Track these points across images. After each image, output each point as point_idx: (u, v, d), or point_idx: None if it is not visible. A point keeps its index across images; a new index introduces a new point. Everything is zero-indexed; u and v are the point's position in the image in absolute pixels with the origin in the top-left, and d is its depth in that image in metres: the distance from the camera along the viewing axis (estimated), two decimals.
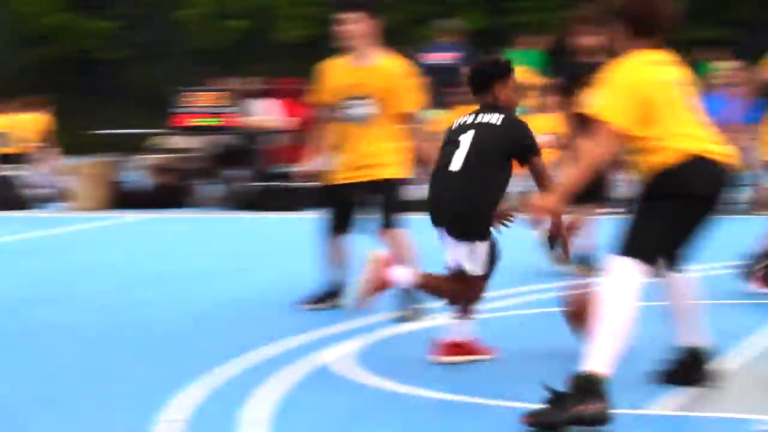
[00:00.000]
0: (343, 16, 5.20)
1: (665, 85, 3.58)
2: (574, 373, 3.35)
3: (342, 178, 5.33)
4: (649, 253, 3.55)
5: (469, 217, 4.20)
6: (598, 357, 3.35)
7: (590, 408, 3.24)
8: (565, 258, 5.31)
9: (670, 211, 3.57)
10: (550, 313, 5.04)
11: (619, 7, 3.71)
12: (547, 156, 6.31)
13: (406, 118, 5.32)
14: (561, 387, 3.30)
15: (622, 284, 3.48)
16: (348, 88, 5.23)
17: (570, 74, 6.39)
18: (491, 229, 4.28)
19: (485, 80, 4.36)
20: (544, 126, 9.71)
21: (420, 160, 5.68)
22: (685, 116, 3.62)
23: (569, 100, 6.15)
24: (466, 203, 4.16)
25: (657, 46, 3.67)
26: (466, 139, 4.19)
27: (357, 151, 5.23)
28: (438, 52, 11.09)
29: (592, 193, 6.16)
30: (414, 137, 5.43)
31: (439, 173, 4.28)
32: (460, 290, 4.35)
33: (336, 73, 5.34)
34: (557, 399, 3.29)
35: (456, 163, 4.16)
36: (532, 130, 4.39)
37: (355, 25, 5.17)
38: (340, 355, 4.47)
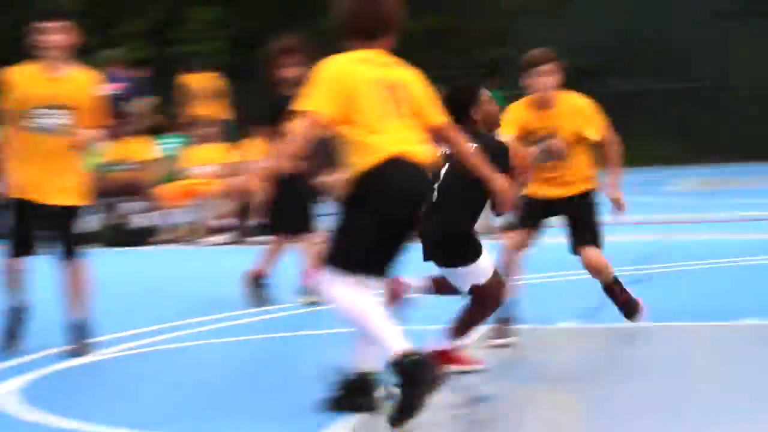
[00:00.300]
0: (45, 25, 5.12)
1: (368, 83, 3.51)
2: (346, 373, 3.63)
3: (24, 193, 5.13)
4: (353, 263, 3.51)
5: (445, 246, 4.27)
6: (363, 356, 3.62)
7: (359, 401, 3.61)
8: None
9: (369, 217, 3.50)
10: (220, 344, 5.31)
11: (338, 14, 3.70)
12: (213, 186, 6.67)
13: (94, 134, 5.29)
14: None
15: (339, 294, 3.51)
16: (41, 99, 5.12)
17: (272, 107, 6.25)
18: (474, 248, 4.31)
19: (461, 107, 4.36)
20: (209, 157, 10.27)
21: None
22: (387, 116, 3.54)
23: (273, 132, 6.04)
24: (441, 233, 4.23)
25: (381, 48, 3.66)
26: (443, 171, 4.26)
27: (41, 167, 5.09)
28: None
29: (295, 222, 6.44)
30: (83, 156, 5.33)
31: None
32: (481, 309, 4.41)
33: (27, 82, 5.19)
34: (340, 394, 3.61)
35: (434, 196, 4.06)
36: (507, 152, 4.42)
37: (55, 35, 5.10)
38: (5, 392, 4.30)
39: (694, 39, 18.14)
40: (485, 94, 4.58)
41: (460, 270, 4.28)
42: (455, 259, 4.27)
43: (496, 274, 4.39)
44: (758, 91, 18.74)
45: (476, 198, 4.26)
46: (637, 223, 8.55)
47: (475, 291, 4.33)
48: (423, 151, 3.59)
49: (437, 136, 3.75)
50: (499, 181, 3.85)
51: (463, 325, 4.40)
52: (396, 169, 3.45)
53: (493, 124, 4.71)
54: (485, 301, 4.38)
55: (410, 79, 3.65)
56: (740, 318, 5.17)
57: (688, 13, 18.38)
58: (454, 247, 4.28)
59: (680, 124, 18.99)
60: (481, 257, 4.30)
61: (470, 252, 4.28)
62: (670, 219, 9.67)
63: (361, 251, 3.51)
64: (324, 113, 3.46)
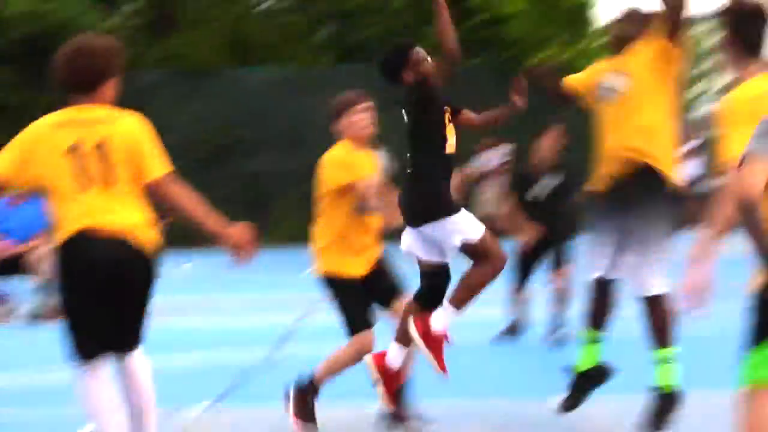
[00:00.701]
0: None
1: (58, 153, 3.36)
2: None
3: None
4: (74, 351, 3.46)
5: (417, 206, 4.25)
6: None
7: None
8: None
9: (67, 298, 3.48)
10: None
11: (54, 68, 3.50)
12: None
13: None
14: None
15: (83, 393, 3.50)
16: None
17: None
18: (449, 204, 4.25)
19: (392, 71, 4.34)
20: None
21: None
22: (80, 186, 3.37)
23: None
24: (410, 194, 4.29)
25: (100, 99, 3.49)
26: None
27: None
28: None
29: None
30: None
31: None
32: (484, 269, 4.18)
33: None
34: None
35: None
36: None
37: None
38: None
39: (324, 122, 19.16)
40: (419, 53, 4.40)
41: (438, 225, 4.18)
42: (427, 215, 4.21)
43: (489, 236, 4.27)
44: None
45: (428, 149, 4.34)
46: (275, 301, 8.59)
47: (470, 250, 4.20)
48: (118, 220, 3.38)
49: (155, 192, 3.50)
50: (231, 234, 3.50)
51: (465, 291, 4.20)
52: (77, 245, 3.34)
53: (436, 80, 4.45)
54: (486, 260, 4.20)
55: (122, 134, 3.42)
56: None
57: (323, 96, 19.43)
58: (423, 203, 4.24)
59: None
60: (459, 215, 4.21)
61: (442, 207, 4.22)
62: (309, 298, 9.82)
63: (74, 337, 3.45)
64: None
